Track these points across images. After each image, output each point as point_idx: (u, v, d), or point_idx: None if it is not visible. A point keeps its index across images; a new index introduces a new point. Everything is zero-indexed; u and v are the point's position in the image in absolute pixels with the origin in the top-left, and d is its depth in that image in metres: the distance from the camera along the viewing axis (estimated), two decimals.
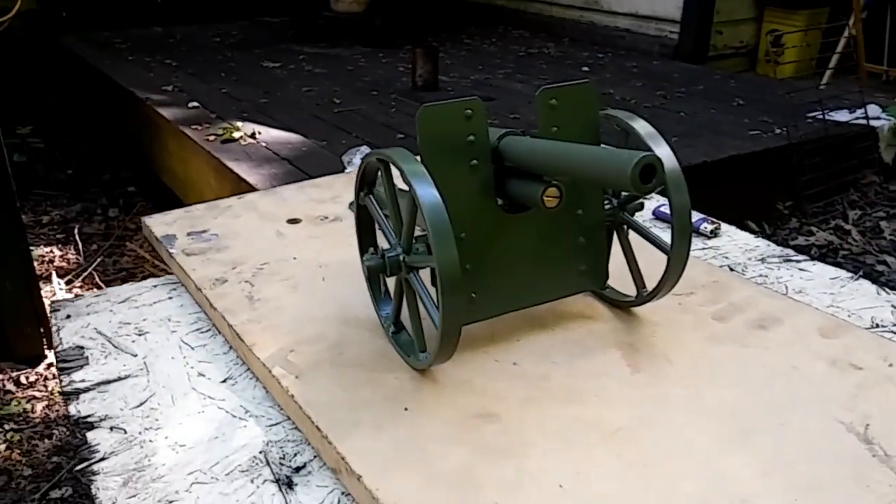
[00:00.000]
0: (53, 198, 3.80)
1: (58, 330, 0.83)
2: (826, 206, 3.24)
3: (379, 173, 0.73)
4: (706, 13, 4.46)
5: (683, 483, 0.57)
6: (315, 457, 0.65)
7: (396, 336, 0.75)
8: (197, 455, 0.65)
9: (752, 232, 3.35)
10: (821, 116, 3.23)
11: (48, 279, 2.93)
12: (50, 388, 2.35)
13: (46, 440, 2.17)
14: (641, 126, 0.73)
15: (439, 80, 3.73)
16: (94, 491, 0.61)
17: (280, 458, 0.65)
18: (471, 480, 0.58)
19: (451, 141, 0.70)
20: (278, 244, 0.96)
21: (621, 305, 0.81)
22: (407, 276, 0.69)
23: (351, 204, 1.08)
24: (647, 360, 0.72)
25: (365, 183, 0.75)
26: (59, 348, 0.80)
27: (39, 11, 4.80)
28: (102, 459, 0.65)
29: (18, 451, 2.10)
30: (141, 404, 0.71)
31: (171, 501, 0.60)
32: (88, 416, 0.70)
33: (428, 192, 0.62)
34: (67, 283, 2.98)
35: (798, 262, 0.94)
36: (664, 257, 0.72)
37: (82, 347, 0.80)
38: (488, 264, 0.73)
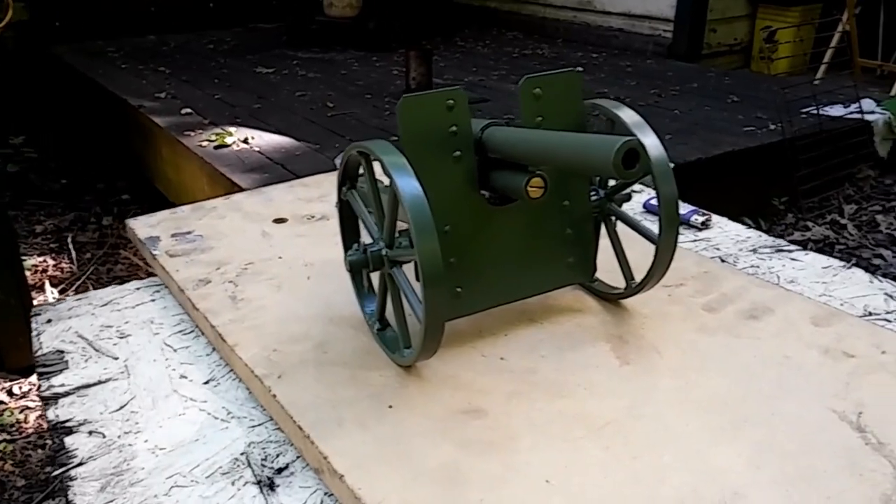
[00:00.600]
0: (47, 207, 3.79)
1: (38, 334, 0.82)
2: (822, 201, 3.24)
3: (360, 166, 0.71)
4: (700, 11, 4.45)
5: (673, 476, 0.56)
6: (298, 457, 0.64)
7: (381, 333, 0.74)
8: (177, 458, 0.64)
9: (747, 227, 3.32)
10: (815, 112, 3.22)
11: (41, 289, 2.91)
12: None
13: (40, 450, 2.15)
14: (627, 115, 0.71)
15: (433, 83, 3.73)
16: (70, 497, 0.60)
17: (262, 460, 0.64)
18: (457, 477, 0.57)
19: (434, 132, 0.68)
20: (264, 244, 0.95)
21: (610, 298, 0.80)
22: (390, 271, 0.68)
23: (338, 202, 1.06)
24: (637, 352, 0.71)
25: (347, 177, 0.74)
26: (39, 353, 0.79)
27: (32, 21, 4.80)
28: (80, 464, 0.63)
29: (11, 462, 2.08)
30: (121, 408, 0.70)
31: None
32: (67, 420, 0.68)
33: (409, 185, 0.61)
34: (61, 291, 2.96)
35: (790, 251, 0.93)
36: (653, 248, 0.71)
37: (62, 352, 0.78)
38: (474, 258, 0.72)
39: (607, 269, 0.79)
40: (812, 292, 0.84)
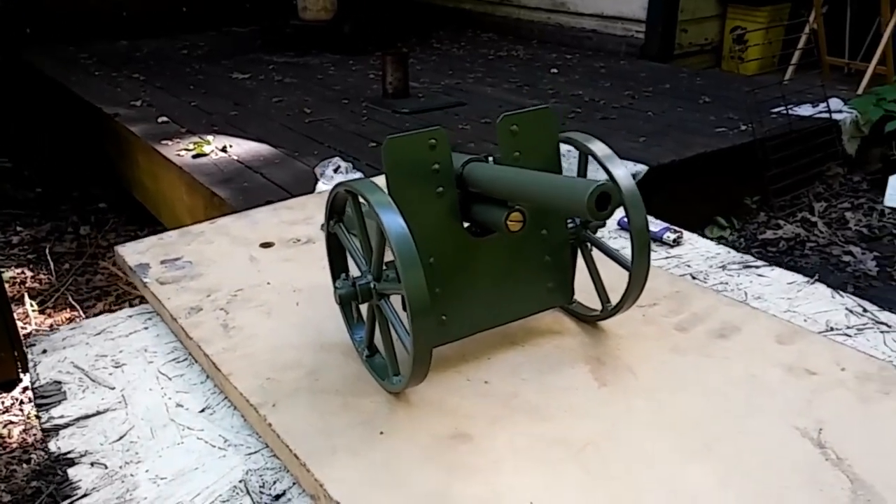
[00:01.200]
0: (22, 217, 3.75)
1: (34, 365, 0.84)
2: (793, 199, 3.32)
3: (347, 204, 0.74)
4: (671, 12, 4.53)
5: (647, 495, 0.60)
6: (294, 483, 0.67)
7: (370, 360, 0.77)
8: (178, 487, 0.67)
9: (721, 227, 3.38)
10: (785, 112, 3.30)
11: (20, 301, 2.90)
12: (26, 413, 2.33)
13: (24, 465, 2.15)
14: (599, 148, 0.75)
15: (410, 87, 3.75)
16: None
17: (260, 487, 0.67)
18: (446, 501, 0.60)
19: (417, 170, 0.72)
20: (252, 269, 0.97)
21: (588, 320, 0.84)
22: (378, 303, 0.71)
23: (323, 225, 1.09)
24: (613, 373, 0.75)
25: (334, 212, 0.77)
26: (37, 384, 0.81)
27: (1, 28, 4.74)
28: (85, 496, 0.66)
29: None
30: (120, 438, 0.73)
31: None
32: (68, 452, 0.71)
33: (395, 222, 0.64)
34: (40, 304, 2.94)
35: (757, 267, 0.98)
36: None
37: (60, 382, 0.81)
38: (457, 287, 0.75)
39: (588, 291, 0.83)
40: (777, 308, 0.88)
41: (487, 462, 0.64)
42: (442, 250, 0.74)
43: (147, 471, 0.68)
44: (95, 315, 2.91)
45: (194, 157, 2.89)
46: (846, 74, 4.28)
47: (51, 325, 2.81)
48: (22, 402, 2.39)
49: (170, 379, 0.81)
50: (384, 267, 0.71)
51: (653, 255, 1.02)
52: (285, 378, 0.76)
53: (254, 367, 0.78)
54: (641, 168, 2.78)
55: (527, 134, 0.76)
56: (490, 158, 0.76)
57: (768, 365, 0.75)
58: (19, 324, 2.53)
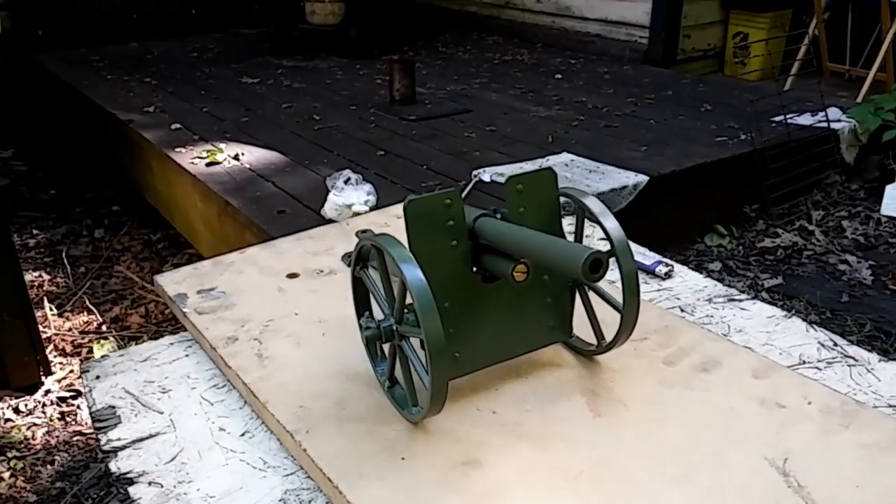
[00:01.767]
0: (38, 220, 3.85)
1: (90, 390, 0.94)
2: (791, 208, 3.40)
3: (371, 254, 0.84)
4: (674, 18, 4.60)
5: None
6: (327, 503, 0.77)
7: (391, 391, 0.87)
8: None
9: (720, 235, 3.45)
10: (784, 122, 3.37)
11: (39, 304, 3.00)
12: (49, 415, 2.43)
13: (49, 466, 2.25)
14: (592, 203, 0.85)
15: (416, 93, 3.83)
16: None
17: None
18: None
19: (434, 225, 0.82)
20: (280, 300, 1.07)
21: (585, 354, 0.93)
22: (399, 343, 0.81)
23: (344, 256, 1.19)
24: (606, 404, 0.85)
25: (360, 259, 0.87)
26: (94, 408, 0.91)
27: (14, 31, 4.82)
28: None
29: (23, 479, 2.18)
30: (172, 459, 0.83)
31: None
32: (128, 472, 0.81)
33: (414, 275, 0.74)
34: (58, 307, 3.05)
35: (740, 301, 1.07)
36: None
37: (114, 407, 0.91)
38: (469, 327, 0.85)
39: (587, 325, 0.92)
40: (756, 342, 0.98)
41: (496, 487, 0.74)
42: (456, 295, 0.84)
43: (198, 489, 0.78)
44: (113, 319, 3.00)
45: (208, 164, 2.98)
46: (847, 80, 4.35)
47: (69, 329, 2.92)
48: (45, 405, 2.49)
49: (212, 404, 0.91)
50: (405, 310, 0.81)
51: (645, 288, 1.11)
52: (315, 406, 0.86)
53: (287, 396, 0.87)
54: (643, 178, 2.86)
55: (530, 193, 0.85)
56: (498, 214, 0.86)
57: (744, 398, 0.85)
58: (39, 327, 2.64)
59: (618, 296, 0.84)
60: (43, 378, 2.55)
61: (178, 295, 1.08)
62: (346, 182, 2.56)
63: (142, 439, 0.85)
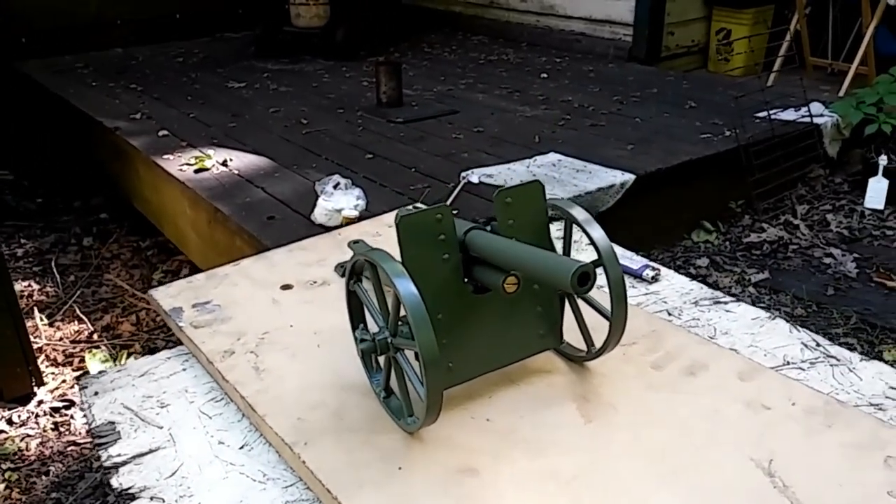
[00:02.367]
0: (26, 229, 3.83)
1: (89, 407, 0.95)
2: (776, 203, 3.44)
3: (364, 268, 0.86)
4: (657, 15, 4.62)
5: None
6: None
7: (387, 401, 0.89)
8: None
9: (707, 231, 3.48)
10: (767, 117, 3.41)
11: (29, 314, 2.99)
12: (42, 425, 2.43)
13: (44, 477, 2.24)
14: (578, 212, 0.87)
15: (403, 95, 3.84)
16: None
17: None
18: None
19: (426, 240, 0.83)
20: (275, 312, 1.09)
21: (575, 360, 0.96)
22: (394, 356, 0.83)
23: (337, 266, 1.21)
24: (597, 409, 0.87)
25: (354, 273, 0.88)
26: (93, 424, 0.92)
27: None
28: None
29: (18, 490, 2.17)
30: (173, 474, 0.84)
31: None
32: (129, 487, 0.82)
33: (408, 290, 0.76)
34: (49, 316, 3.04)
35: (725, 303, 1.10)
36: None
37: (113, 423, 0.92)
38: (462, 338, 0.87)
39: (577, 330, 0.94)
40: (742, 343, 1.01)
41: (492, 494, 0.76)
42: (448, 307, 0.86)
43: (200, 503, 0.80)
44: (104, 327, 3.00)
45: (196, 171, 2.97)
46: (829, 74, 4.40)
47: (60, 338, 2.91)
48: (38, 416, 2.49)
49: (210, 418, 0.93)
50: (399, 322, 0.83)
51: (633, 292, 1.14)
52: (313, 417, 0.87)
53: (284, 408, 0.89)
54: (629, 177, 2.88)
55: (519, 205, 0.88)
56: (489, 227, 0.88)
57: (730, 400, 0.87)
58: (30, 338, 2.63)
59: (606, 303, 0.86)
60: (35, 389, 2.55)
61: (173, 309, 1.09)
62: (335, 187, 2.57)
63: (142, 454, 0.87)
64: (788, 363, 0.96)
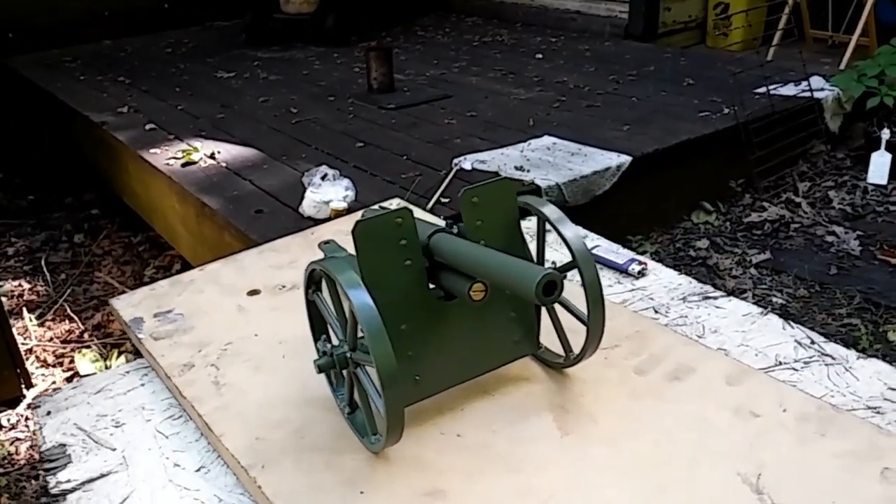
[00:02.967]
0: (16, 227, 3.79)
1: (40, 428, 0.90)
2: (777, 180, 3.36)
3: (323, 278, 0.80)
4: None
5: None
6: None
7: (351, 417, 0.83)
8: None
9: (707, 212, 3.41)
10: (767, 92, 3.32)
11: (19, 315, 2.95)
12: (32, 429, 2.39)
13: (34, 481, 2.21)
14: (550, 211, 0.81)
15: (395, 80, 3.76)
16: None
17: None
18: None
19: (386, 246, 0.77)
20: (240, 320, 1.03)
21: (553, 366, 0.90)
22: (354, 371, 0.77)
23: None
24: (576, 421, 0.82)
25: (312, 282, 0.83)
26: (44, 447, 0.87)
27: None
28: None
29: (7, 495, 2.14)
30: (123, 501, 0.79)
31: None
32: None
33: (362, 301, 0.70)
34: (39, 316, 3.00)
35: (715, 299, 1.04)
36: None
37: (64, 445, 0.87)
38: (429, 349, 0.81)
39: (554, 336, 0.88)
40: (732, 342, 0.95)
41: None
42: (413, 317, 0.80)
43: None
44: (94, 326, 2.96)
45: (184, 165, 2.92)
46: (830, 47, 4.29)
47: (51, 339, 2.87)
48: (27, 419, 2.46)
49: (167, 437, 0.87)
50: (359, 336, 0.77)
51: (618, 288, 1.08)
52: (273, 437, 0.82)
53: (244, 426, 0.84)
54: (626, 159, 2.81)
55: (487, 204, 0.81)
56: (455, 229, 0.82)
57: (717, 407, 0.81)
58: (20, 339, 2.59)
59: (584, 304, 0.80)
60: (25, 391, 2.51)
61: (133, 319, 1.04)
62: (322, 178, 2.51)
63: (92, 480, 0.82)
64: (781, 363, 0.90)
